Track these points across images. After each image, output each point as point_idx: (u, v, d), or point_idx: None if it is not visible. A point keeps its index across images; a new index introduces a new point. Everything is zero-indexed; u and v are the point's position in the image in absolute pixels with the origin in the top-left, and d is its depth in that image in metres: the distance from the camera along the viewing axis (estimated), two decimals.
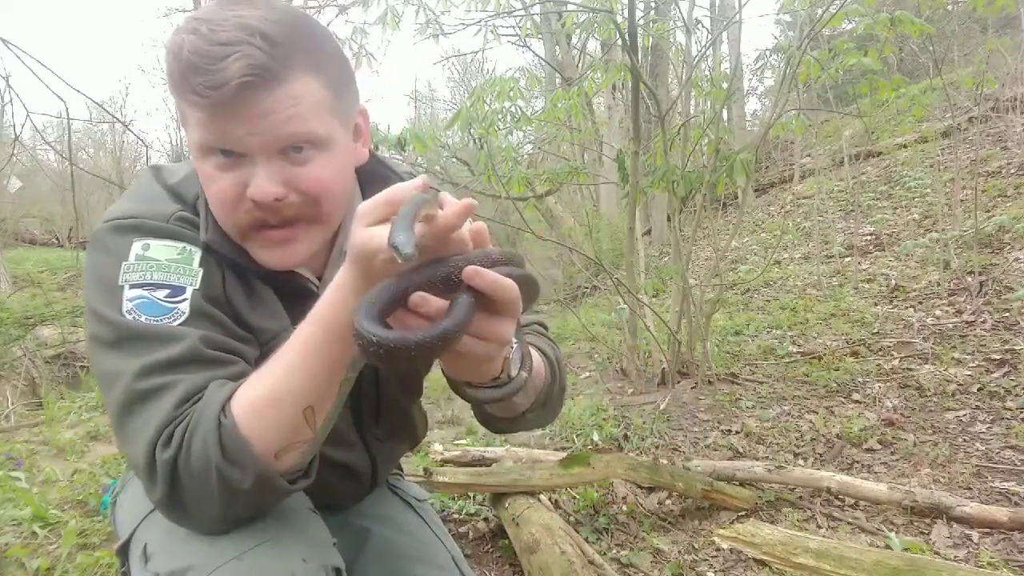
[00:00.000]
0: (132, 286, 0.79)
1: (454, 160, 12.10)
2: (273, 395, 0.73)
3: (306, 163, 0.81)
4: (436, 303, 0.64)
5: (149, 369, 0.76)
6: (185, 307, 0.79)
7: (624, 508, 2.28)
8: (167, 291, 0.80)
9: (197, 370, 0.77)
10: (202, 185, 0.83)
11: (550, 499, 2.23)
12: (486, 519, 2.23)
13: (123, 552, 0.90)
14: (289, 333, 0.86)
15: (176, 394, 0.75)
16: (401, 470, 1.37)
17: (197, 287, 0.81)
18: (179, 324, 0.78)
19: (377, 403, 1.06)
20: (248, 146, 0.78)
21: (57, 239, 15.44)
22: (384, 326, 0.63)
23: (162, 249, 0.81)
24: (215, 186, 0.80)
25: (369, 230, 0.66)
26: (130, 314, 0.78)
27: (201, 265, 0.82)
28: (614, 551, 2.03)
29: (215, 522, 0.76)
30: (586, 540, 2.03)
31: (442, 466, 2.43)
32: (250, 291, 0.88)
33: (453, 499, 2.32)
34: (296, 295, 0.90)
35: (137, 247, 0.80)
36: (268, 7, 0.77)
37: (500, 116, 3.81)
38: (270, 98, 0.76)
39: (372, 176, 0.97)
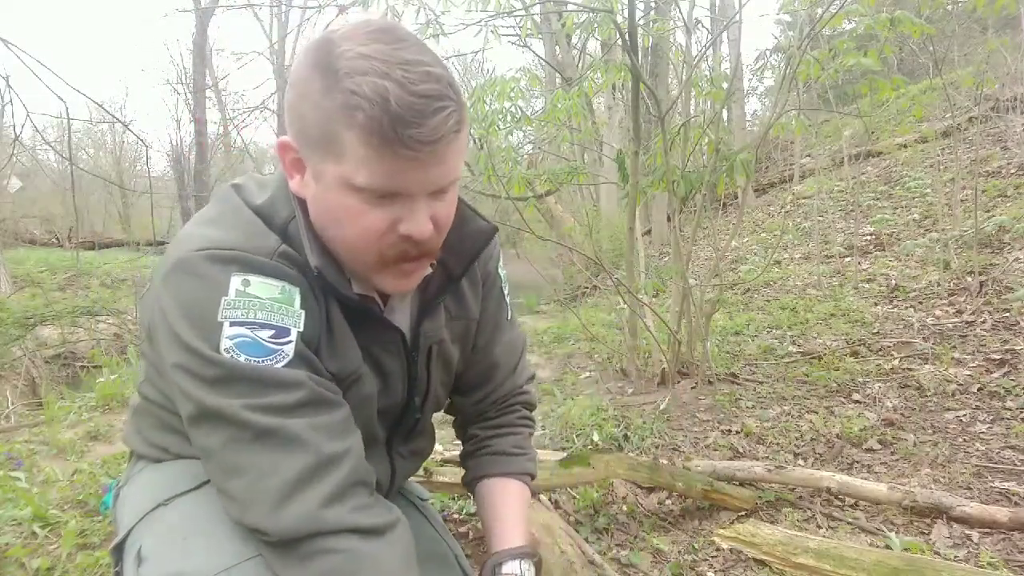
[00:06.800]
0: (233, 323, 0.76)
1: None
2: None
3: (443, 200, 0.82)
4: None
5: (268, 409, 0.75)
6: (290, 350, 0.78)
7: (624, 508, 2.28)
8: (271, 332, 0.77)
9: (315, 413, 0.78)
10: (334, 215, 0.80)
11: (550, 499, 2.23)
12: None
13: (118, 551, 0.89)
14: (361, 372, 0.90)
15: (319, 434, 0.77)
16: None
17: (301, 329, 0.80)
18: (282, 366, 0.77)
19: (413, 427, 1.09)
20: (416, 190, 0.77)
21: (57, 239, 15.40)
22: None
23: (263, 287, 0.78)
24: (364, 220, 0.78)
25: None
26: (228, 352, 0.75)
27: (302, 306, 0.81)
28: (614, 551, 2.03)
29: None
30: (586, 540, 2.03)
31: (442, 466, 2.42)
32: (329, 328, 0.86)
33: (453, 499, 2.32)
34: (366, 317, 0.90)
35: (237, 282, 0.77)
36: (426, 48, 0.77)
37: (500, 116, 3.81)
38: (453, 150, 0.77)
39: None
